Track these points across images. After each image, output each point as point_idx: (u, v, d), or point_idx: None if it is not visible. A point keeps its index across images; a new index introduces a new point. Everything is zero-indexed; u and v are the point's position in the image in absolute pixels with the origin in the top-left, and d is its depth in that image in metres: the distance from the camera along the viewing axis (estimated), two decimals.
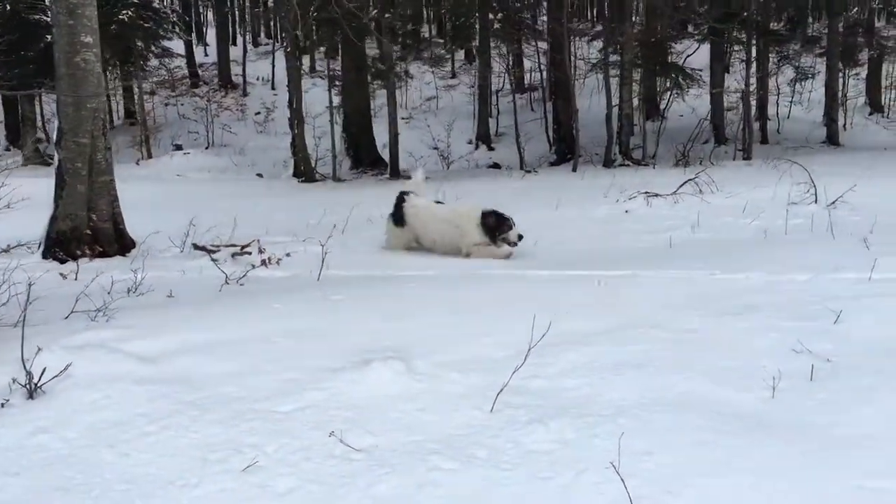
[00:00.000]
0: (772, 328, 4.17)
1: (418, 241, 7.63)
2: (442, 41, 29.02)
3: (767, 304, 4.60)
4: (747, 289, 5.00)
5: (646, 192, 9.66)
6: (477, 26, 21.96)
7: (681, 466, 2.76)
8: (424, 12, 36.96)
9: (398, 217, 7.60)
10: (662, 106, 22.32)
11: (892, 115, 22.06)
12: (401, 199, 7.67)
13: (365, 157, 18.40)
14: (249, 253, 6.82)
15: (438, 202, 8.18)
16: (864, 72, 23.86)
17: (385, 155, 17.97)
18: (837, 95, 19.15)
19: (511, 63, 24.19)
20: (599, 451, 2.87)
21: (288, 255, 6.97)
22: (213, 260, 6.50)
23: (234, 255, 6.86)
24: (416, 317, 4.63)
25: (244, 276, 6.06)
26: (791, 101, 22.88)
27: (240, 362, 3.81)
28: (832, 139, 18.50)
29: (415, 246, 7.72)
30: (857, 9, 22.49)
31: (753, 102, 20.57)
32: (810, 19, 24.97)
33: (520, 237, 7.00)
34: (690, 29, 20.56)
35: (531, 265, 6.35)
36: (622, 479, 2.59)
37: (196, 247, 7.23)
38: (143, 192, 12.45)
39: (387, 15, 16.25)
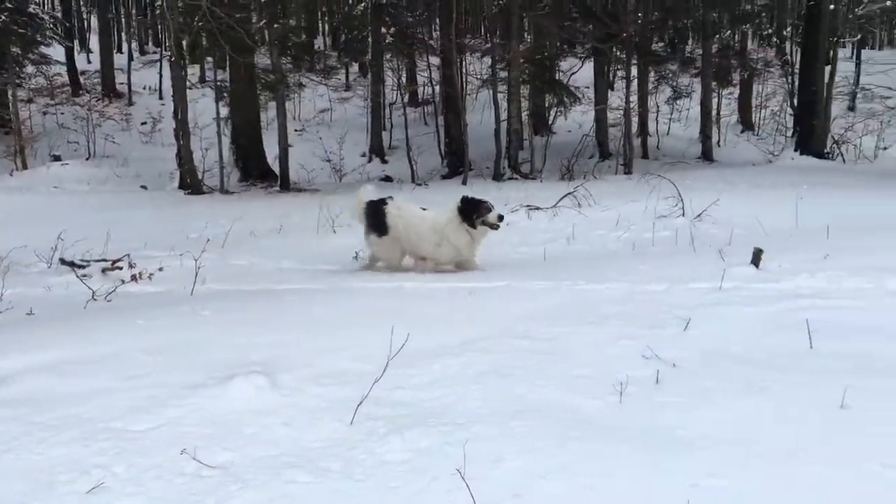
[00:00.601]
0: (625, 336, 4.38)
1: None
2: (336, 54, 28.95)
3: (624, 314, 4.83)
4: (607, 299, 5.23)
5: (527, 206, 9.94)
6: (370, 40, 21.99)
7: (529, 470, 2.88)
8: (319, 24, 36.85)
9: (380, 225, 7.03)
10: (550, 121, 23.04)
11: (761, 132, 23.42)
12: (379, 205, 7.13)
13: (254, 169, 18.11)
14: (121, 268, 6.61)
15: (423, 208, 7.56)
16: (736, 91, 25.28)
17: (276, 167, 17.74)
18: (711, 113, 20.20)
19: (403, 77, 24.36)
20: (453, 459, 2.95)
21: (161, 269, 6.80)
22: (81, 276, 6.26)
23: (104, 270, 6.64)
24: (285, 331, 4.61)
25: (112, 291, 5.87)
26: (670, 119, 23.98)
27: (95, 381, 3.70)
28: (706, 155, 19.50)
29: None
30: (729, 32, 23.79)
31: (635, 119, 21.49)
32: (690, 41, 26.26)
33: (500, 217, 6.78)
34: (576, 48, 21.22)
35: (404, 278, 6.42)
36: (468, 486, 2.67)
37: (63, 262, 6.95)
38: (14, 204, 11.85)
39: (275, 26, 16.09)
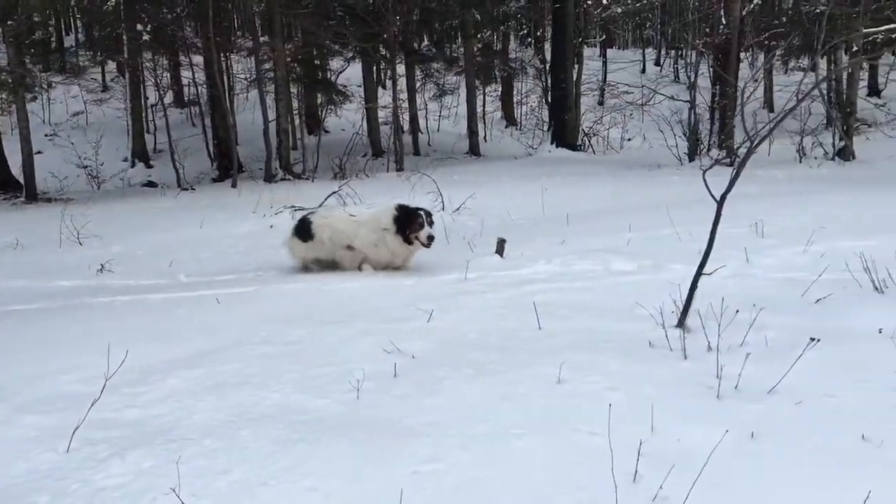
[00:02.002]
0: (370, 332, 4.45)
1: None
2: (90, 53, 26.90)
3: (370, 310, 4.91)
4: (354, 296, 5.29)
5: (292, 206, 9.81)
6: (125, 37, 20.63)
7: (251, 479, 2.83)
8: (72, 21, 33.97)
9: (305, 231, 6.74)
10: (322, 120, 22.96)
11: (523, 127, 24.87)
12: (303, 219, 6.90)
13: None
14: None
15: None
16: (500, 89, 26.65)
17: (21, 176, 16.14)
18: (476, 110, 21.12)
19: (164, 77, 23.12)
20: (174, 477, 2.83)
21: None
22: None
23: None
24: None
25: None
26: (440, 116, 24.80)
27: None
28: (474, 150, 20.38)
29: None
30: (490, 32, 24.97)
31: (406, 117, 21.99)
32: (454, 42, 27.23)
33: (430, 238, 6.45)
34: (344, 48, 21.26)
35: (153, 288, 6.10)
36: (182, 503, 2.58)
37: None
38: None
39: (9, 22, 14.60)
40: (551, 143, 20.18)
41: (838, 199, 8.61)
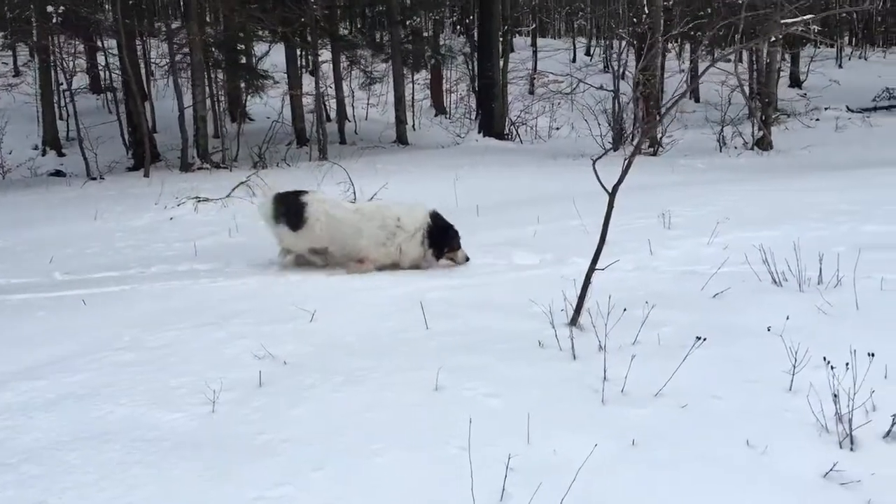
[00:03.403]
0: (245, 335, 4.13)
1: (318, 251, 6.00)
2: None
3: (251, 311, 4.58)
4: (238, 295, 4.96)
5: (196, 197, 9.35)
6: (34, 20, 19.56)
7: None
8: None
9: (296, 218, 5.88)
10: (247, 108, 22.27)
11: (452, 116, 24.61)
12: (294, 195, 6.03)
13: None
14: None
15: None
16: (429, 77, 26.30)
17: None
18: (403, 98, 20.75)
19: (74, 62, 22.07)
20: None
21: None
22: None
23: None
24: None
25: None
26: (368, 104, 24.35)
27: None
28: (401, 139, 20.03)
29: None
30: (418, 19, 24.61)
31: (332, 104, 21.49)
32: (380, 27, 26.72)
33: (466, 259, 5.87)
34: (265, 32, 20.62)
35: (19, 288, 5.62)
36: None
37: None
38: None
39: None
40: (478, 132, 20.00)
41: (750, 188, 8.59)
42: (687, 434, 3.07)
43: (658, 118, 13.57)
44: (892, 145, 14.78)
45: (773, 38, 15.47)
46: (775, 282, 4.77)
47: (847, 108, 22.57)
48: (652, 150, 15.81)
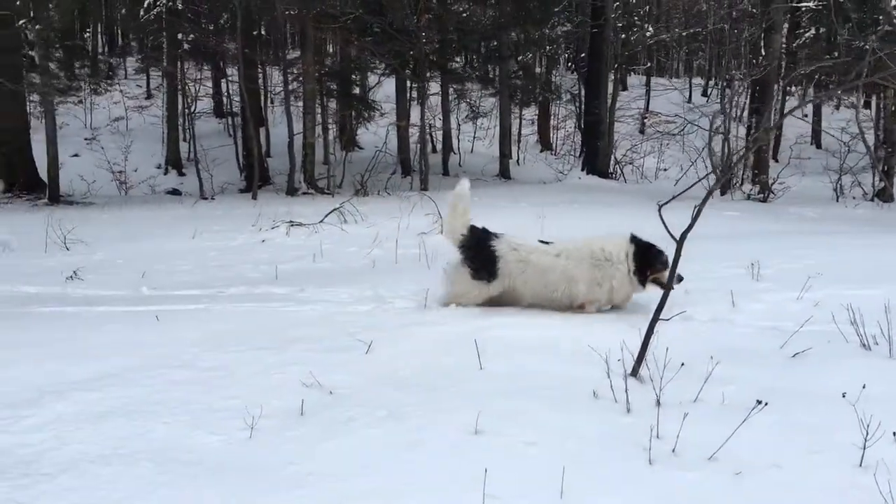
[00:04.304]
0: (298, 361, 4.14)
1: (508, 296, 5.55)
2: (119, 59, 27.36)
3: (312, 337, 4.61)
4: (303, 321, 5.01)
5: (290, 222, 9.61)
6: (164, 47, 20.86)
7: None
8: (94, 25, 34.40)
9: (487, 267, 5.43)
10: (357, 137, 22.89)
11: (558, 152, 24.45)
12: (484, 239, 5.54)
13: (20, 179, 16.52)
14: None
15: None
16: (536, 112, 26.26)
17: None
18: (509, 133, 20.79)
19: (199, 87, 23.37)
20: None
21: None
22: None
23: None
24: None
25: None
26: (474, 137, 24.53)
27: None
28: (504, 173, 20.04)
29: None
30: (530, 55, 24.69)
31: (439, 136, 21.77)
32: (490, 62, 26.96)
33: (680, 279, 5.11)
34: (379, 64, 21.20)
35: (107, 300, 5.89)
36: None
37: None
38: None
39: (38, 26, 14.79)
40: (582, 169, 19.76)
41: (858, 242, 8.06)
42: None
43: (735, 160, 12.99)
44: None
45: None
46: (864, 345, 4.41)
47: None
48: (762, 196, 15.18)
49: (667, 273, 5.10)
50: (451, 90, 20.63)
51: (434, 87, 21.31)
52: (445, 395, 3.73)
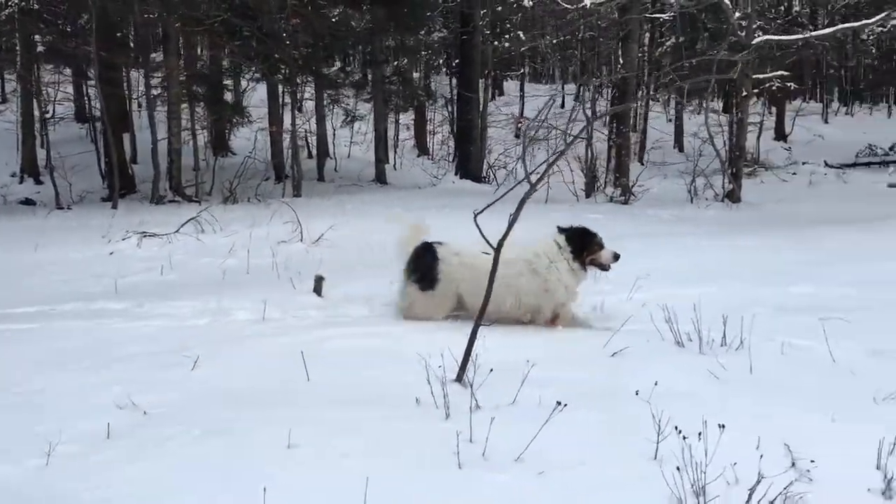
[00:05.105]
0: (119, 381, 4.01)
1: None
2: None
3: (140, 355, 4.48)
4: (136, 338, 4.86)
5: (142, 232, 9.27)
6: (18, 48, 19.66)
7: None
8: None
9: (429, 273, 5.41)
10: (230, 142, 22.34)
11: (435, 157, 24.63)
12: (424, 248, 5.55)
13: None
14: None
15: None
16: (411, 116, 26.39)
17: None
18: (384, 138, 20.82)
19: (57, 90, 22.22)
20: None
21: None
22: None
23: None
24: None
25: None
26: (351, 142, 24.41)
27: None
28: (380, 178, 20.03)
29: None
30: (405, 59, 24.79)
31: (314, 140, 21.55)
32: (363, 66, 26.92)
33: (616, 257, 5.47)
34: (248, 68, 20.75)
35: None
36: None
37: None
38: None
39: None
40: (455, 173, 20.04)
41: (691, 244, 8.55)
42: None
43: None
44: (860, 202, 14.80)
45: (744, 93, 15.60)
46: (678, 342, 4.68)
47: (825, 163, 22.67)
48: (623, 198, 15.83)
49: (604, 253, 5.44)
50: (325, 95, 20.48)
51: (309, 91, 21.10)
52: (268, 410, 3.70)
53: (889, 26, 23.21)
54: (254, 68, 19.38)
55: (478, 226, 4.09)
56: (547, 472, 3.18)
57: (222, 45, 17.37)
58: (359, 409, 3.72)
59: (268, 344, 4.72)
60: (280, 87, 20.78)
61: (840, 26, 18.88)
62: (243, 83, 22.76)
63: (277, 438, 3.34)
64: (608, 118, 17.63)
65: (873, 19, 15.90)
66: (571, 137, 11.63)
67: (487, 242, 4.22)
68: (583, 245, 5.45)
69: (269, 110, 20.30)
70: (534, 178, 4.37)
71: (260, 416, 3.62)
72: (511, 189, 4.71)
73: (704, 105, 20.75)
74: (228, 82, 22.38)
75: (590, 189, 16.43)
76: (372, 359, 4.48)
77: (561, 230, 5.54)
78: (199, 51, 23.19)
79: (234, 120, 18.45)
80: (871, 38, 31.33)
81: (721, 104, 29.84)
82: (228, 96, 21.87)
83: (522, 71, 32.30)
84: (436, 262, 5.37)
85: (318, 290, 5.91)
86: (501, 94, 34.21)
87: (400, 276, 5.54)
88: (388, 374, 4.21)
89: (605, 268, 5.48)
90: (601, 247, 5.49)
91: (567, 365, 4.37)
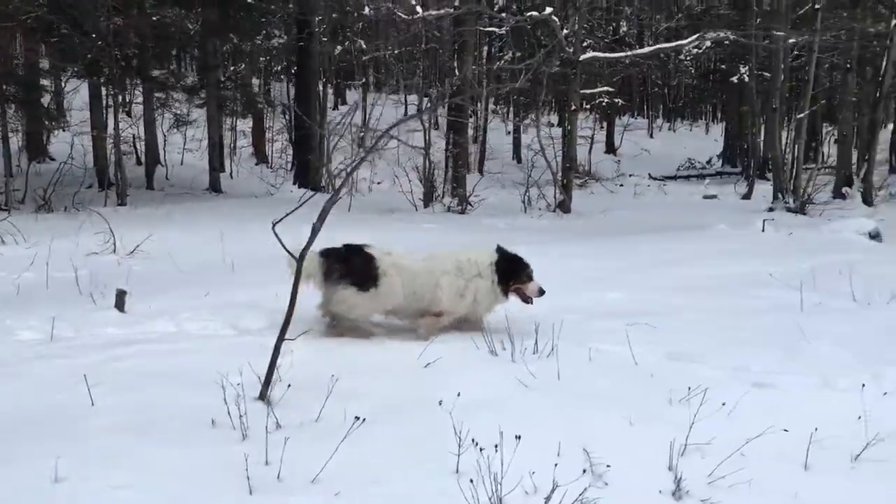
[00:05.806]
0: None
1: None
2: None
3: None
4: None
5: None
6: None
7: None
8: None
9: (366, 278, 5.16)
10: (49, 147, 20.76)
11: (274, 165, 23.99)
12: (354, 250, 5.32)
13: None
14: None
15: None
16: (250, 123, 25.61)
17: None
18: (218, 144, 20.04)
19: None
20: None
21: None
22: None
23: None
24: None
25: None
26: (184, 148, 23.34)
27: None
28: (214, 186, 19.21)
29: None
30: (242, 65, 24.03)
31: (142, 146, 20.40)
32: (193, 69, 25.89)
33: (541, 292, 5.36)
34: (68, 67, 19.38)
35: None
36: None
37: None
38: None
39: None
40: (294, 182, 19.60)
41: (536, 250, 8.69)
42: None
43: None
44: (677, 212, 15.77)
45: (573, 107, 16.24)
46: (492, 352, 4.69)
47: (650, 175, 24.10)
48: (460, 208, 16.02)
49: (531, 285, 5.38)
50: (155, 99, 19.45)
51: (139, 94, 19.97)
52: (37, 440, 3.32)
53: (703, 48, 24.95)
54: (74, 68, 18.13)
55: (276, 235, 3.89)
56: (343, 492, 3.04)
57: (38, 43, 16.04)
58: (144, 434, 3.43)
59: (56, 365, 4.27)
60: (104, 90, 19.54)
61: (659, 45, 20.23)
62: (68, 85, 21.27)
63: (43, 471, 2.99)
64: (446, 129, 17.85)
65: (688, 40, 17.14)
66: (409, 145, 11.60)
67: (289, 253, 4.04)
68: (509, 272, 5.42)
69: (92, 113, 19.00)
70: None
71: (26, 447, 3.24)
72: (308, 197, 4.53)
73: (536, 118, 21.46)
74: (46, 83, 20.84)
75: (428, 199, 16.52)
76: (169, 379, 4.15)
77: (498, 250, 5.53)
78: (14, 48, 21.41)
79: (52, 123, 17.09)
80: (689, 58, 33.67)
81: (557, 118, 31.15)
82: (47, 98, 20.38)
83: (363, 80, 32.20)
84: (372, 260, 5.25)
85: (119, 305, 5.46)
86: (344, 102, 33.97)
87: (310, 288, 5.23)
88: (185, 395, 3.91)
89: (527, 300, 5.45)
90: (530, 278, 5.45)
91: (378, 377, 4.26)
